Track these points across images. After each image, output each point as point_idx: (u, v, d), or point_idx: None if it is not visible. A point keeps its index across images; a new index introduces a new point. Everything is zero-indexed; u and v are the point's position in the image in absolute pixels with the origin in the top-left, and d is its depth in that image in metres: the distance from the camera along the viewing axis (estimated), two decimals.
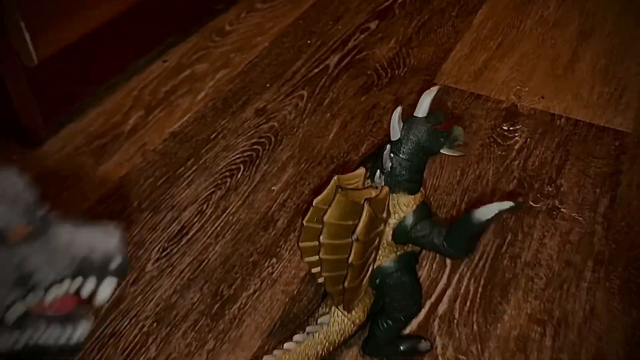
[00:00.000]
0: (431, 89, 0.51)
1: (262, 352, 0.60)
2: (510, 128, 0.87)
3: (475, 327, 0.63)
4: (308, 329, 0.57)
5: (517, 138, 0.85)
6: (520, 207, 0.48)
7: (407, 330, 0.61)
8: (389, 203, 0.52)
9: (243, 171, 0.80)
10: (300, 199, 0.76)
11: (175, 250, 0.71)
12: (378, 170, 0.53)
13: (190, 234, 0.73)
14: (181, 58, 1.02)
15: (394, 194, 0.52)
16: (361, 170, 0.53)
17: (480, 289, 0.66)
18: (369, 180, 0.54)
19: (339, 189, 0.50)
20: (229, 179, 0.79)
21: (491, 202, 0.48)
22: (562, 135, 0.85)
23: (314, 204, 0.52)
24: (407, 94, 0.93)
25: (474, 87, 0.94)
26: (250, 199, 0.77)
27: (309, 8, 1.13)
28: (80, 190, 0.78)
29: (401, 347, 0.59)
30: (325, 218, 0.50)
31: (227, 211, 0.75)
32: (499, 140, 0.85)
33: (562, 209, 0.75)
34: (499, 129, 0.86)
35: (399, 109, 0.51)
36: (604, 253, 0.70)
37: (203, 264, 0.69)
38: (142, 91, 0.95)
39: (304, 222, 0.53)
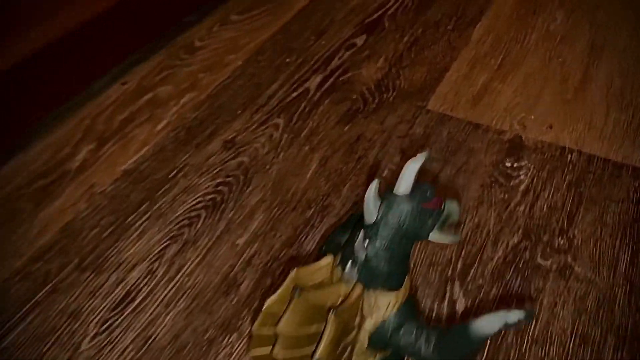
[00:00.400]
0: (417, 156, 0.41)
1: None
2: (515, 165, 0.75)
3: None
4: None
5: (522, 177, 0.74)
6: (531, 318, 0.38)
7: None
8: (363, 304, 0.41)
9: (204, 219, 0.69)
10: (269, 255, 0.65)
11: (117, 322, 0.60)
12: (349, 260, 0.42)
13: (137, 300, 0.62)
14: (143, 79, 0.90)
15: (370, 291, 0.41)
16: (326, 261, 0.43)
17: None
18: (338, 270, 0.43)
19: (297, 291, 0.39)
20: (186, 230, 0.68)
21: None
22: (574, 174, 0.74)
23: (264, 308, 0.41)
24: (397, 123, 0.82)
25: (473, 114, 0.82)
26: (210, 256, 0.65)
27: (290, 20, 1.02)
28: (13, 244, 0.67)
29: None
30: (279, 328, 0.39)
31: (182, 271, 0.64)
32: (502, 180, 0.73)
33: (576, 268, 0.64)
34: (501, 166, 0.75)
35: (375, 184, 0.40)
36: (627, 326, 0.59)
37: (150, 342, 0.58)
38: (96, 119, 0.84)
39: (254, 330, 0.42)
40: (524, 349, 0.57)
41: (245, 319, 0.59)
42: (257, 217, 0.69)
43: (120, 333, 0.59)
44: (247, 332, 0.58)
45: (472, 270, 0.63)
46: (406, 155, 0.77)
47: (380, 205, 0.41)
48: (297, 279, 0.42)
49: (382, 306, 0.42)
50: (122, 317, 0.60)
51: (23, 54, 0.76)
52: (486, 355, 0.56)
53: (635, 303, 0.60)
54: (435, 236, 0.42)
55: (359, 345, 0.43)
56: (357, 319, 0.41)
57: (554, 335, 0.58)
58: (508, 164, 0.75)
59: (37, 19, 0.80)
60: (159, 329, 0.59)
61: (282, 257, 0.65)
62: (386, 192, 0.42)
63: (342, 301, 0.41)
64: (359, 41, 0.97)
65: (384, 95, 0.87)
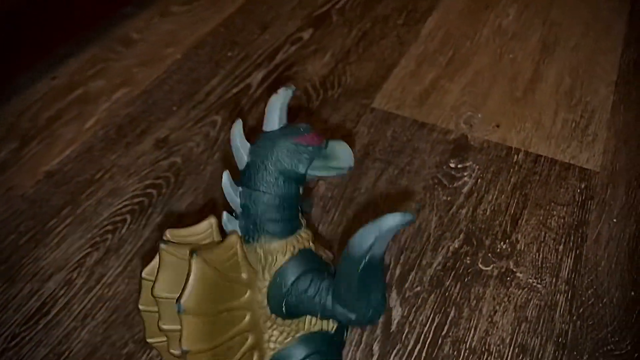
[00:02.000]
0: (280, 90, 0.37)
1: None
2: (459, 165, 0.73)
3: None
4: None
5: (466, 178, 0.71)
6: (411, 220, 0.33)
7: None
8: (244, 254, 0.38)
9: (129, 224, 0.65)
10: None
11: (28, 337, 0.55)
12: (224, 213, 0.39)
13: (52, 313, 0.57)
14: (74, 74, 0.85)
15: (256, 244, 0.38)
16: (210, 220, 0.39)
17: None
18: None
19: (162, 245, 0.36)
20: (110, 236, 0.64)
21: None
22: (519, 175, 0.72)
23: (142, 277, 0.38)
24: (340, 121, 0.78)
25: (419, 113, 0.80)
26: (133, 264, 0.61)
27: (234, 13, 0.98)
28: None
29: None
30: (154, 292, 0.36)
31: (103, 281, 0.60)
32: (445, 182, 0.71)
33: (518, 274, 0.61)
34: (445, 167, 0.72)
35: (238, 123, 0.37)
36: (567, 334, 0.56)
37: (63, 358, 0.54)
38: (20, 117, 0.78)
39: (139, 306, 0.39)
40: (460, 358, 0.54)
41: None
42: (186, 222, 0.65)
43: (31, 349, 0.54)
44: None
45: (411, 277, 0.61)
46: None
47: (250, 147, 0.38)
48: (170, 237, 0.39)
49: (271, 258, 0.38)
50: (34, 332, 0.56)
51: None
52: None
53: (577, 310, 0.58)
54: (315, 172, 0.38)
55: (262, 311, 0.39)
56: (245, 275, 0.38)
57: (492, 346, 0.55)
58: (452, 165, 0.73)
59: None
60: (74, 344, 0.55)
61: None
62: (260, 134, 0.39)
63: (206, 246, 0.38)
64: (306, 35, 0.93)
65: (328, 92, 0.83)
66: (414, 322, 0.57)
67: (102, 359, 0.54)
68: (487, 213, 0.67)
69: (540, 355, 0.55)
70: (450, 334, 0.56)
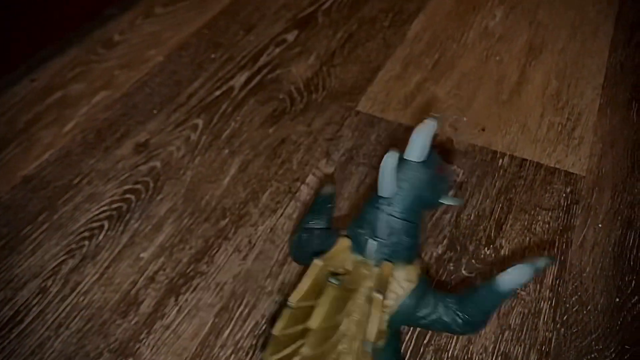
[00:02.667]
0: (428, 120, 0.38)
1: None
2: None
3: None
4: None
5: (450, 183, 0.70)
6: (550, 261, 0.38)
7: None
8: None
9: (107, 230, 0.64)
10: (175, 271, 0.60)
11: (0, 347, 0.54)
12: (367, 239, 0.38)
13: (25, 322, 0.56)
14: (54, 77, 0.83)
15: (389, 266, 0.40)
16: (344, 244, 0.40)
17: None
18: (354, 254, 0.41)
19: (335, 280, 0.37)
20: (87, 242, 0.62)
21: None
22: (504, 179, 0.71)
23: (292, 305, 0.39)
24: (324, 124, 0.77)
25: (403, 116, 0.79)
26: (110, 272, 0.60)
27: (218, 15, 0.96)
28: None
29: None
30: (310, 323, 0.36)
31: (78, 289, 0.58)
32: None
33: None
34: None
35: (394, 154, 0.38)
36: (551, 342, 0.56)
37: None
38: None
39: (275, 333, 0.39)
40: None
41: (143, 341, 0.54)
42: (165, 228, 0.64)
43: (2, 359, 0.53)
44: (144, 356, 0.53)
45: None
46: (332, 159, 0.72)
47: (397, 176, 0.40)
48: (323, 267, 0.39)
49: (404, 281, 0.41)
50: (7, 341, 0.54)
51: None
52: None
53: (560, 317, 0.57)
54: (446, 200, 0.42)
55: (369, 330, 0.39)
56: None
57: (474, 355, 0.54)
58: None
59: None
60: (48, 354, 0.53)
61: (189, 272, 0.60)
62: (400, 161, 0.40)
63: (379, 280, 0.40)
64: (290, 37, 0.92)
65: (312, 95, 0.82)
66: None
67: None
68: (472, 218, 0.66)
69: None
70: (433, 342, 0.55)
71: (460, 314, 0.42)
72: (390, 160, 0.39)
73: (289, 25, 0.95)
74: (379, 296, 0.37)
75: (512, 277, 0.39)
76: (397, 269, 0.41)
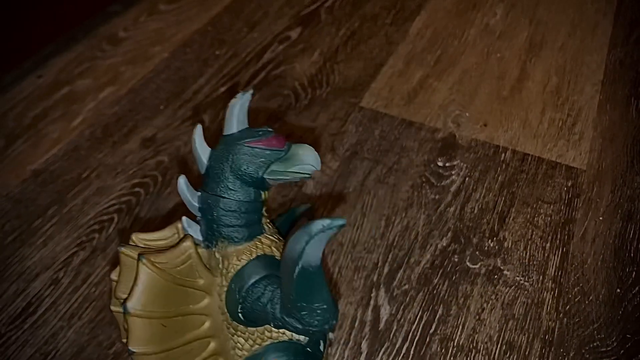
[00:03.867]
0: (239, 93, 0.37)
1: None
2: (447, 164, 0.73)
3: None
4: None
5: (454, 177, 0.71)
6: (342, 225, 0.32)
7: None
8: (199, 259, 0.38)
9: (117, 223, 0.64)
10: None
11: (14, 337, 0.55)
12: (184, 218, 0.38)
13: (38, 313, 0.57)
14: (60, 73, 0.84)
15: (214, 250, 0.38)
16: (173, 226, 0.39)
17: None
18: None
19: (121, 247, 0.37)
20: (96, 235, 0.63)
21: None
22: (507, 174, 0.72)
23: (111, 278, 0.38)
24: (329, 120, 0.78)
25: (406, 112, 0.80)
26: None
27: (221, 11, 0.97)
28: None
29: None
30: (116, 294, 0.36)
31: (89, 281, 0.59)
32: (433, 180, 0.71)
33: (505, 271, 0.62)
34: (432, 166, 0.73)
35: (198, 128, 0.37)
36: (554, 331, 0.57)
37: (49, 358, 0.53)
38: (6, 115, 0.78)
39: (111, 307, 0.39)
40: (448, 357, 0.54)
41: None
42: (174, 221, 0.65)
43: (17, 349, 0.54)
44: None
45: (399, 275, 0.61)
46: (336, 154, 0.74)
47: (209, 152, 0.38)
48: (135, 241, 0.40)
49: (228, 263, 0.38)
50: (20, 332, 0.55)
51: None
52: None
53: (563, 307, 0.59)
54: (274, 176, 0.37)
55: (224, 317, 0.39)
56: (201, 281, 0.37)
57: (479, 344, 0.56)
58: (440, 164, 0.73)
59: None
60: (61, 344, 0.54)
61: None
62: (222, 138, 0.39)
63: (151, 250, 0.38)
64: (294, 34, 0.93)
65: (317, 91, 0.83)
66: (402, 320, 0.57)
67: (89, 358, 0.53)
68: (475, 211, 0.67)
69: (527, 353, 0.55)
70: (438, 331, 0.56)
71: (280, 303, 0.36)
72: (195, 133, 0.38)
73: (292, 23, 0.96)
74: (142, 259, 0.35)
75: (292, 244, 0.33)
76: (225, 252, 0.38)
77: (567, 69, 0.89)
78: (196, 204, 0.38)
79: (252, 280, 0.37)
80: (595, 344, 0.56)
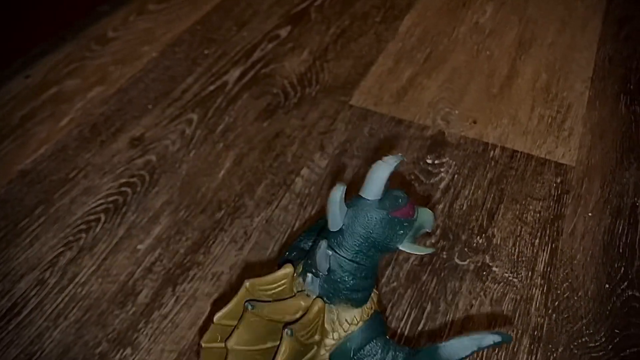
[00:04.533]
0: (387, 158, 0.36)
1: None
2: (436, 162, 0.73)
3: None
4: None
5: (442, 174, 0.71)
6: (508, 341, 0.35)
7: None
8: (323, 320, 0.37)
9: (104, 223, 0.64)
10: (172, 262, 0.61)
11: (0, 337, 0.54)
12: (309, 274, 0.38)
13: (24, 313, 0.56)
14: (48, 73, 0.84)
15: (332, 307, 0.38)
16: (285, 271, 0.38)
17: None
18: (300, 281, 0.39)
19: (249, 307, 0.35)
20: (84, 235, 0.63)
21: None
22: (496, 170, 0.72)
23: (215, 321, 0.37)
24: (318, 118, 0.78)
25: (396, 110, 0.80)
26: (107, 263, 0.60)
27: (211, 11, 0.97)
28: None
29: None
30: (229, 343, 0.35)
31: (76, 281, 0.59)
32: (422, 178, 0.71)
33: (494, 268, 0.61)
34: (422, 163, 0.72)
35: (341, 187, 0.35)
36: (542, 327, 0.57)
37: (34, 358, 0.53)
38: None
39: (202, 344, 0.38)
40: None
41: (141, 331, 0.55)
42: (161, 220, 0.65)
43: (1, 349, 0.53)
44: (142, 345, 0.54)
45: (387, 272, 0.60)
46: (325, 153, 0.73)
47: (347, 211, 0.37)
48: (251, 291, 0.38)
49: (345, 323, 0.39)
50: (5, 332, 0.55)
51: None
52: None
53: (552, 303, 0.59)
54: (406, 247, 0.38)
55: None
56: (317, 337, 0.38)
57: None
58: (429, 161, 0.73)
59: None
60: (46, 344, 0.54)
61: (186, 263, 0.60)
62: (353, 196, 0.38)
63: (301, 316, 0.37)
64: (283, 33, 0.93)
65: (306, 89, 0.83)
66: (390, 317, 0.57)
67: (75, 358, 0.53)
68: (464, 208, 0.67)
69: (515, 349, 0.55)
70: (427, 328, 0.56)
71: None
72: (336, 192, 0.36)
73: (282, 21, 0.95)
74: (288, 332, 0.35)
75: (453, 350, 0.37)
76: (339, 309, 0.39)
77: (557, 66, 0.89)
78: (341, 221, 0.37)
79: (367, 341, 0.40)
80: (584, 339, 0.56)
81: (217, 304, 0.57)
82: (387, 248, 0.37)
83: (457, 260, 0.62)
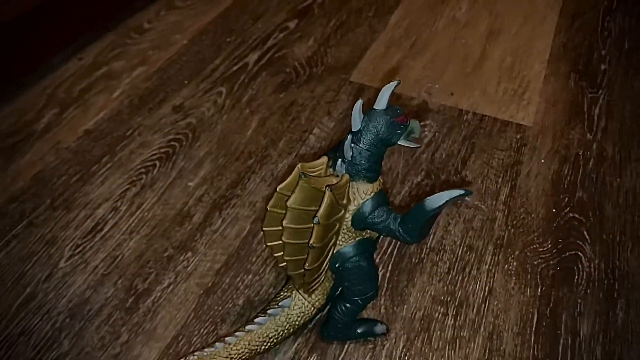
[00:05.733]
0: (390, 83, 0.54)
1: (176, 342, 0.61)
2: (421, 124, 0.90)
3: (382, 309, 0.66)
4: (270, 311, 0.59)
5: (426, 133, 0.89)
6: (469, 194, 0.51)
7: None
8: (349, 190, 0.54)
9: (159, 168, 0.81)
10: (217, 194, 0.78)
11: (88, 246, 0.71)
12: (339, 159, 0.55)
13: (104, 230, 0.73)
14: (97, 56, 1.01)
15: (353, 182, 0.55)
16: (324, 159, 0.56)
17: (387, 274, 0.69)
18: (331, 169, 0.56)
19: (302, 176, 0.52)
20: (144, 176, 0.79)
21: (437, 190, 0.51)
22: (468, 130, 0.90)
23: (277, 190, 0.54)
24: (324, 91, 0.96)
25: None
26: (165, 195, 0.77)
27: (229, 6, 1.14)
28: None
29: (358, 330, 0.62)
30: (288, 203, 0.52)
31: (142, 207, 0.75)
32: None
33: (467, 198, 0.79)
34: None
35: (360, 102, 0.53)
36: (504, 238, 0.74)
37: (117, 260, 0.69)
38: (57, 89, 0.94)
39: (268, 208, 0.55)
40: (423, 255, 0.72)
41: (198, 241, 0.72)
42: (205, 165, 0.81)
43: (91, 254, 0.70)
44: (200, 250, 0.70)
45: None
46: (332, 117, 0.91)
47: (363, 117, 0.54)
48: (302, 169, 0.55)
49: (362, 193, 0.55)
50: (92, 243, 0.71)
51: None
52: (393, 260, 0.71)
53: (511, 222, 0.76)
54: (402, 142, 0.54)
55: (345, 223, 0.55)
56: (344, 201, 0.54)
57: (446, 246, 0.73)
58: None
59: None
60: (125, 251, 0.70)
61: (228, 195, 0.77)
62: (368, 109, 0.55)
63: (336, 183, 0.53)
64: (292, 25, 1.11)
65: (313, 69, 1.00)
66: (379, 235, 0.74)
67: (148, 260, 0.69)
68: (443, 157, 0.85)
69: (483, 252, 0.72)
70: None
71: (402, 224, 0.54)
72: (358, 104, 0.53)
73: (290, 15, 1.13)
74: (329, 189, 0.51)
75: (434, 200, 0.52)
76: (359, 184, 0.55)
77: (520, 51, 1.07)
78: (360, 123, 0.53)
79: (377, 206, 0.55)
80: (534, 246, 0.73)
81: (255, 223, 0.74)
82: (390, 143, 0.54)
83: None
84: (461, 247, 0.73)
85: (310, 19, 1.12)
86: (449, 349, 0.63)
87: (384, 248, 0.72)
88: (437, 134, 0.89)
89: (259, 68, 1.00)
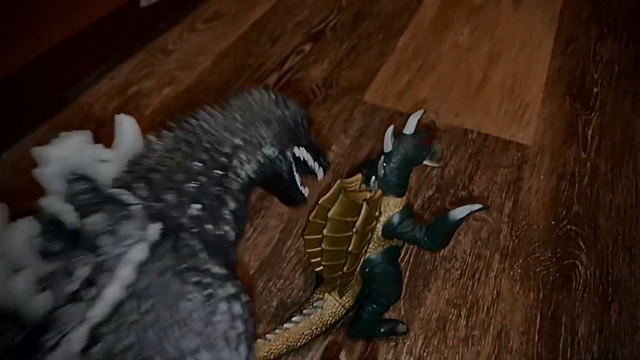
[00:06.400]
0: (417, 112, 0.62)
1: None
2: None
3: (402, 311, 0.73)
4: (305, 311, 0.67)
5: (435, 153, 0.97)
6: (486, 208, 0.60)
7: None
8: (381, 204, 0.62)
9: None
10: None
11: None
12: (373, 177, 0.63)
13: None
14: (127, 75, 1.08)
15: (385, 197, 0.62)
16: (358, 176, 0.64)
17: (406, 280, 0.77)
18: (364, 185, 0.64)
19: (342, 191, 0.60)
20: None
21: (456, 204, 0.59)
22: (473, 148, 0.98)
23: (319, 203, 0.61)
24: (340, 111, 1.04)
25: (398, 105, 1.05)
26: None
27: (248, 29, 1.22)
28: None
29: (382, 329, 0.70)
30: (329, 214, 0.60)
31: None
32: None
33: None
34: None
35: (391, 127, 0.62)
36: (508, 247, 0.82)
37: None
38: (92, 108, 1.01)
39: (310, 218, 0.62)
40: (436, 263, 0.79)
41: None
42: None
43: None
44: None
45: None
46: (348, 134, 0.99)
47: (394, 140, 0.62)
48: (341, 185, 0.62)
49: (392, 206, 0.63)
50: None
51: (36, 52, 0.93)
52: (410, 267, 0.78)
53: (515, 233, 0.84)
54: (427, 162, 0.63)
55: (376, 233, 0.63)
56: (377, 213, 0.62)
57: (457, 254, 0.80)
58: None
59: (44, 27, 0.96)
60: None
61: (257, 207, 0.85)
62: (398, 133, 0.63)
63: (370, 197, 0.61)
64: (307, 48, 1.18)
65: (329, 90, 1.08)
66: (403, 243, 0.81)
67: None
68: (452, 173, 0.93)
69: (490, 260, 0.80)
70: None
71: (427, 234, 0.62)
72: (389, 130, 0.62)
73: (305, 39, 1.21)
74: (366, 203, 0.59)
75: (456, 213, 0.60)
76: (389, 198, 0.63)
77: (519, 74, 1.16)
78: (391, 145, 0.61)
79: (405, 218, 0.63)
80: (536, 254, 0.81)
81: (283, 232, 0.81)
82: (416, 162, 0.62)
83: (448, 206, 0.87)
84: (471, 256, 0.81)
85: (324, 42, 1.20)
86: (462, 346, 0.71)
87: (401, 257, 0.79)
88: (444, 151, 0.97)
89: (279, 88, 1.07)
